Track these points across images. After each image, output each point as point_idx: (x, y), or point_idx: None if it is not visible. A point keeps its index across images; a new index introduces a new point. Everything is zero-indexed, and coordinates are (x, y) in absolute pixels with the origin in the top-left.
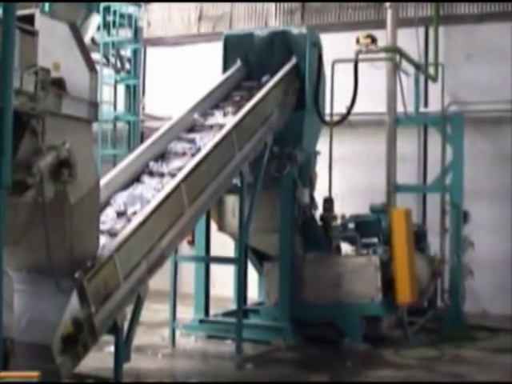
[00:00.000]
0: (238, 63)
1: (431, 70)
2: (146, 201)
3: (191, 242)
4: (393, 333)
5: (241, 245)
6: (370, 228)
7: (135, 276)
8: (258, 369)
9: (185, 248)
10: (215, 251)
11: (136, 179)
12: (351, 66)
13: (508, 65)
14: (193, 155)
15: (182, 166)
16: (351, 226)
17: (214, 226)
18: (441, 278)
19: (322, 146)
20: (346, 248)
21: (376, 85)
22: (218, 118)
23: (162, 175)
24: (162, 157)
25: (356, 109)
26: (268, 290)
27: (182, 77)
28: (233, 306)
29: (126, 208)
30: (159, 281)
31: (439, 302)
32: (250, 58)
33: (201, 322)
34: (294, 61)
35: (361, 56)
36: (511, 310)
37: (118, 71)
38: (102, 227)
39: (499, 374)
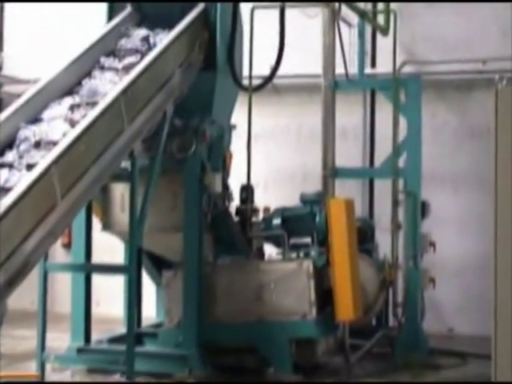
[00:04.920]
0: (128, 9)
1: (380, 20)
2: (103, 95)
3: (67, 245)
4: (331, 359)
5: (132, 248)
6: (300, 224)
7: None
8: None
9: (58, 253)
10: (99, 257)
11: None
12: (276, 13)
13: (480, 12)
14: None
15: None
16: (277, 221)
17: (97, 223)
18: (393, 289)
19: (238, 117)
20: (269, 250)
21: (309, 39)
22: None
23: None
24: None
25: (282, 70)
26: (168, 307)
27: (54, 27)
28: (122, 330)
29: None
30: (24, 298)
31: (391, 319)
32: (143, 2)
33: (79, 351)
34: (201, 6)
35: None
36: (483, 329)
37: None
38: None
39: None
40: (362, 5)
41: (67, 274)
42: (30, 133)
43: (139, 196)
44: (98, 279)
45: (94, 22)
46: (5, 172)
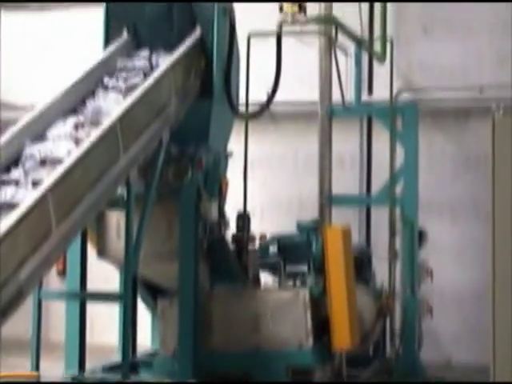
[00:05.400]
0: (124, 35)
1: (377, 47)
2: (107, 114)
3: (62, 273)
4: None
5: (127, 275)
6: (297, 252)
7: None
8: None
9: (53, 281)
10: (94, 285)
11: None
12: (273, 40)
13: (476, 40)
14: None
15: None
16: (273, 249)
17: (92, 250)
18: (390, 318)
19: (235, 145)
20: (266, 279)
21: (306, 66)
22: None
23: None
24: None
25: (279, 97)
26: (164, 336)
27: (50, 52)
28: (117, 358)
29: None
30: (19, 326)
31: (388, 348)
32: (139, 28)
33: (74, 379)
34: (197, 33)
35: (285, 28)
36: (482, 358)
37: None
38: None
39: None
40: (358, 33)
41: (62, 302)
42: (35, 150)
43: (134, 223)
44: (92, 307)
45: (89, 49)
46: (11, 189)
